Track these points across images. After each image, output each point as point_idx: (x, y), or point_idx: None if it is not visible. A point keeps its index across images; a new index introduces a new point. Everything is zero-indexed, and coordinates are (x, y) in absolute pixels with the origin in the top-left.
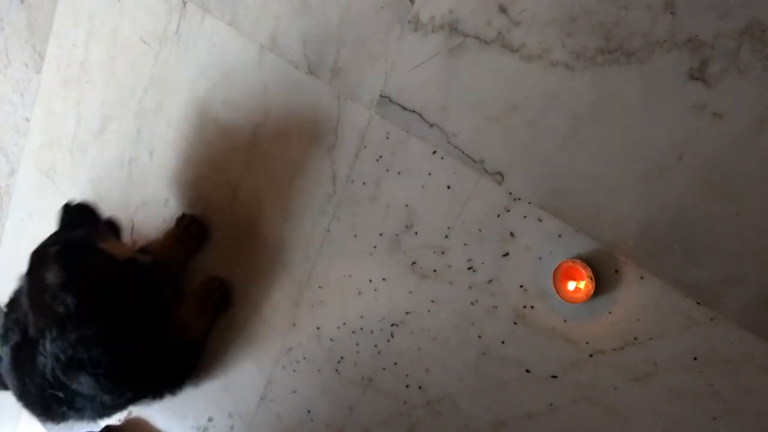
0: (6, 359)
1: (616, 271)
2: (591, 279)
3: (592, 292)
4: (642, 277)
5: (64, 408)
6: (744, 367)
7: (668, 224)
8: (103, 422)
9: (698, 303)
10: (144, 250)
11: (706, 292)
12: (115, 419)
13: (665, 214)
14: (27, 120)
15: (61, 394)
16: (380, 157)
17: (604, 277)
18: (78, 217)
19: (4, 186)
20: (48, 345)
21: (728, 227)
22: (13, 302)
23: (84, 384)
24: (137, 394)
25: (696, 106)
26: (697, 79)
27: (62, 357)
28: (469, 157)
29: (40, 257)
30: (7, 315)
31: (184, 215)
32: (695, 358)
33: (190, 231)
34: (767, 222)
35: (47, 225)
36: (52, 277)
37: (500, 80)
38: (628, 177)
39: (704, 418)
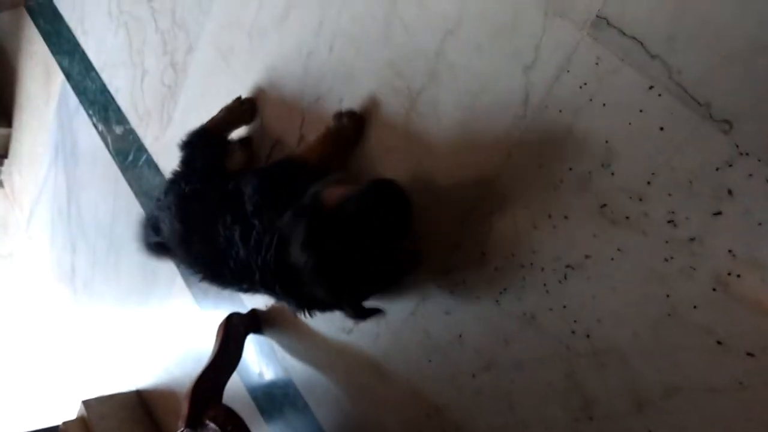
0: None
1: None
2: None
3: None
4: None
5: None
6: None
7: None
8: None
9: None
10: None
11: None
12: (264, 305)
13: None
14: None
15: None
16: (584, 84)
17: None
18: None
19: (182, 62)
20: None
21: None
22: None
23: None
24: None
25: None
26: None
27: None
28: (693, 99)
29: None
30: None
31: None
32: None
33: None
34: None
35: (217, 105)
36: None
37: (747, 12)
38: None
39: None
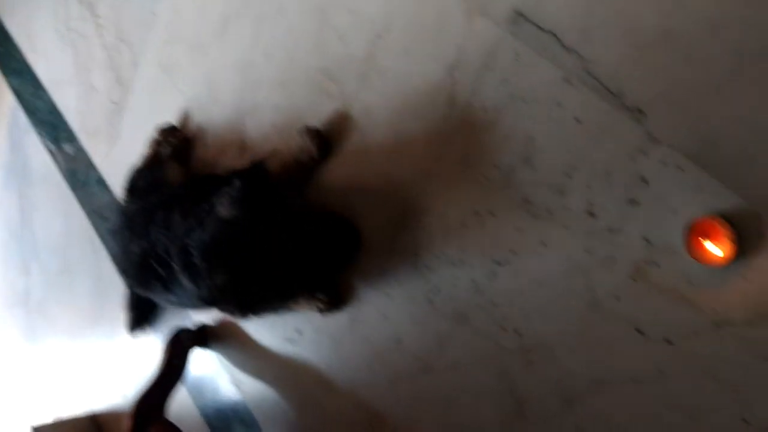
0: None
1: (761, 235)
2: (732, 241)
3: (731, 255)
4: None
5: (157, 282)
6: None
7: None
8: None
9: None
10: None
11: None
12: (212, 320)
13: None
14: (153, 14)
15: (161, 271)
16: (505, 80)
17: (745, 240)
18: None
19: (127, 78)
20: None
21: None
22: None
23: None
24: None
25: None
26: None
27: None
28: (607, 89)
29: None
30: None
31: (309, 127)
32: None
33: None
34: None
35: (163, 119)
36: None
37: (654, 6)
38: None
39: None
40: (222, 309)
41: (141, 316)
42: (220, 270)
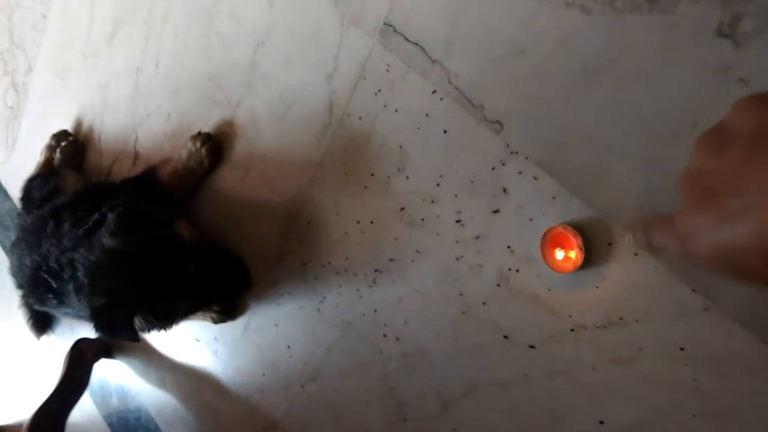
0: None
1: (610, 244)
2: (581, 249)
3: (580, 263)
4: (636, 254)
5: (51, 296)
6: (733, 366)
7: (672, 199)
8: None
9: (693, 290)
10: (153, 169)
11: (704, 279)
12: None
13: (670, 188)
14: (44, 17)
15: (54, 284)
16: (379, 91)
17: (595, 248)
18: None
19: (22, 83)
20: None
21: None
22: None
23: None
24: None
25: (720, 68)
26: (725, 36)
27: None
28: (470, 101)
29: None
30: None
31: (200, 133)
32: (682, 349)
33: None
34: None
35: (58, 126)
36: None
37: (510, 18)
38: (635, 141)
39: (683, 413)
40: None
41: (41, 328)
42: (99, 293)
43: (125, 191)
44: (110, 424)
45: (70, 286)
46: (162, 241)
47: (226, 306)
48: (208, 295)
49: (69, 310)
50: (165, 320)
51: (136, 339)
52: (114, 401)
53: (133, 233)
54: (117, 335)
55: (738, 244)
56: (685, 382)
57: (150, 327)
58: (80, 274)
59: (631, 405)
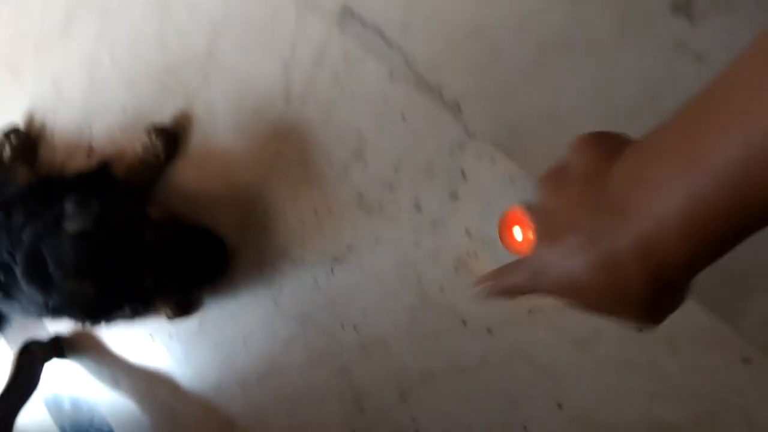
0: None
1: None
2: None
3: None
4: None
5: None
6: (691, 345)
7: None
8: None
9: None
10: (106, 164)
11: None
12: (67, 330)
13: None
14: None
15: (1, 277)
16: (336, 76)
17: None
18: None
19: None
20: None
21: None
22: None
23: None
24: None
25: (676, 44)
26: (681, 12)
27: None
28: (427, 85)
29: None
30: None
31: (155, 125)
32: (640, 330)
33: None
34: None
35: (9, 122)
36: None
37: (466, 1)
38: (593, 119)
39: (641, 393)
40: (71, 317)
41: None
42: (73, 280)
43: (80, 185)
44: (62, 428)
45: (25, 281)
46: (123, 215)
47: (200, 288)
48: (178, 271)
49: (16, 305)
50: (132, 298)
51: (129, 316)
52: (66, 404)
53: (92, 212)
54: (108, 318)
55: (577, 278)
56: (644, 362)
57: (123, 307)
58: (49, 267)
59: (590, 386)
